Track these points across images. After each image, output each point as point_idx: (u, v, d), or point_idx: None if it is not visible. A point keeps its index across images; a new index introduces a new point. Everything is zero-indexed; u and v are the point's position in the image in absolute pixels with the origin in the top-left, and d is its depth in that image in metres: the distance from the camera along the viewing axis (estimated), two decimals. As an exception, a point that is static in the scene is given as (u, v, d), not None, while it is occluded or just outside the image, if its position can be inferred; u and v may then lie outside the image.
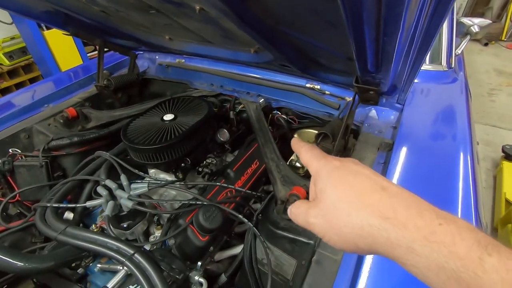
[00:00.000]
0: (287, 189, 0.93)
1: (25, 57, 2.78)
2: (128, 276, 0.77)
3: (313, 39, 0.68)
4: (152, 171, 1.14)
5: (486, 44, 5.64)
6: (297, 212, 0.43)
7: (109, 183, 0.93)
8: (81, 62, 2.67)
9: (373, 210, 0.34)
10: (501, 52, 5.43)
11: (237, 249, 1.04)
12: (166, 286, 0.68)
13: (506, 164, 2.47)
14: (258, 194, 1.06)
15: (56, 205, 0.86)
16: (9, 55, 2.67)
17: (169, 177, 1.10)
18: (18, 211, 1.15)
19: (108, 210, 0.85)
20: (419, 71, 0.67)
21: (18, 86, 2.86)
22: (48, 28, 2.35)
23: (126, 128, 1.01)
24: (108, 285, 0.71)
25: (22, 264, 0.77)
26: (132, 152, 0.99)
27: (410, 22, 0.37)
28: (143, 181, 0.96)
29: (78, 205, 0.89)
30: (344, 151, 1.05)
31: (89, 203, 0.89)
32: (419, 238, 0.31)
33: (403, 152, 0.92)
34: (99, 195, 0.96)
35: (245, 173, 1.13)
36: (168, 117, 1.04)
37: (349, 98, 1.19)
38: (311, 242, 0.74)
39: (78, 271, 0.91)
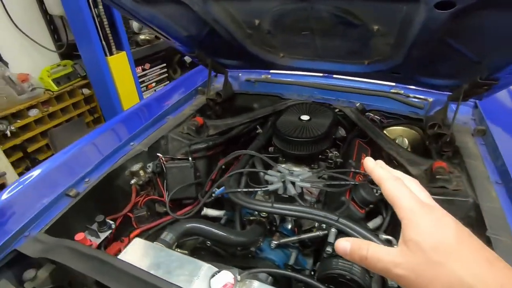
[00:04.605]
0: (417, 168, 1.15)
1: (70, 82, 2.89)
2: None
3: (470, 49, 0.93)
4: (283, 166, 1.33)
5: None
6: (376, 257, 0.42)
7: (282, 169, 1.12)
8: (133, 82, 2.80)
9: (480, 284, 0.33)
10: None
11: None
12: (373, 234, 0.86)
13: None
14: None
15: (246, 189, 1.03)
16: (57, 81, 2.77)
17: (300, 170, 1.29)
18: (164, 210, 1.28)
19: (294, 191, 1.03)
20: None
21: (64, 110, 2.94)
22: (111, 54, 2.51)
23: (274, 125, 1.21)
24: (329, 240, 0.89)
25: (233, 237, 0.95)
26: (285, 144, 1.18)
27: None
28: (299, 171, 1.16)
29: (263, 188, 1.06)
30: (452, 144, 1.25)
31: (271, 187, 1.06)
32: None
33: (500, 133, 1.19)
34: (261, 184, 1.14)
35: (360, 163, 1.35)
36: (305, 117, 1.26)
37: (430, 99, 1.47)
38: (469, 199, 0.96)
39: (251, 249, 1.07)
